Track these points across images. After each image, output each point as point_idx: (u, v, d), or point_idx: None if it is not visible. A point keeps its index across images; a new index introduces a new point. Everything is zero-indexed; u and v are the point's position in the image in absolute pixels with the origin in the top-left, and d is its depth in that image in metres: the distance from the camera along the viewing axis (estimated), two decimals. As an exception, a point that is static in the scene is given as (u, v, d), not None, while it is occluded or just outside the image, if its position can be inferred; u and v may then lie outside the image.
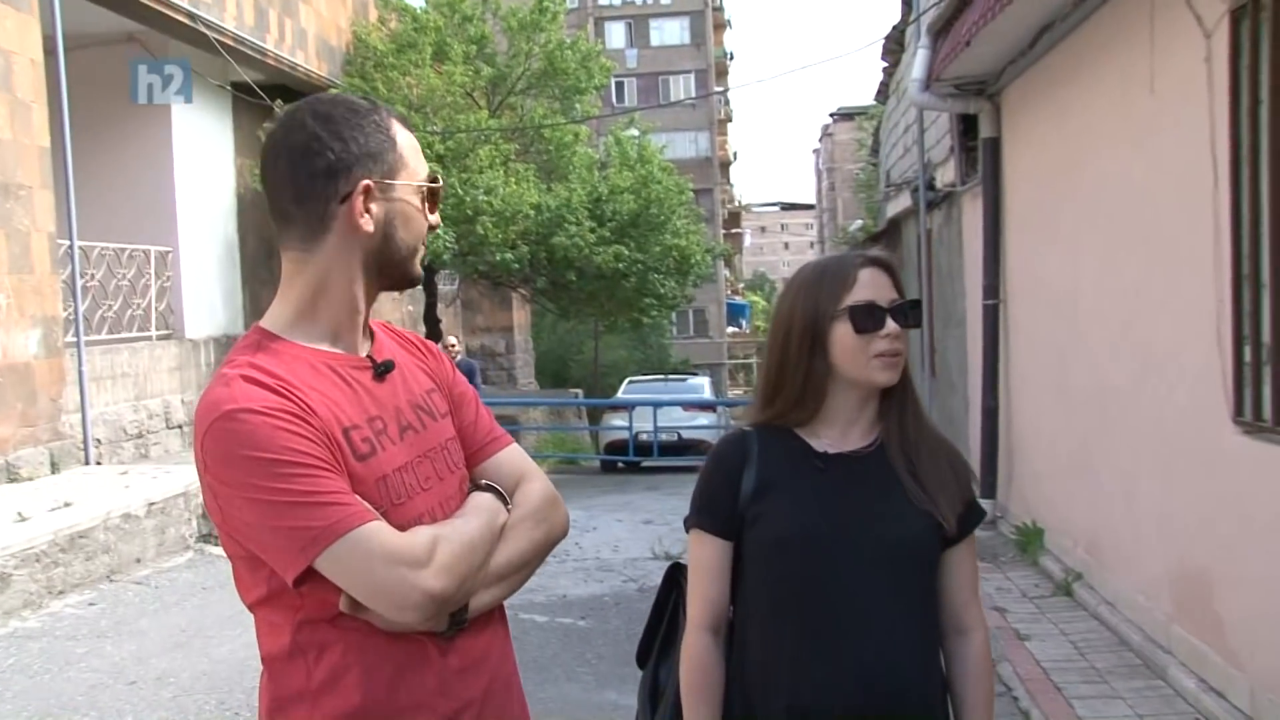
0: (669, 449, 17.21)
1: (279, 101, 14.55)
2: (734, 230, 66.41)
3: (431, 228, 1.90)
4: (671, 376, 25.20)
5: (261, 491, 1.65)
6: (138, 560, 8.49)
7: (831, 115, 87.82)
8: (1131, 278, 5.97)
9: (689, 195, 20.27)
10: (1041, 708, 5.10)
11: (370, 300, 1.86)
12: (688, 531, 2.21)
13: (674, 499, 12.45)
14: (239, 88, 14.28)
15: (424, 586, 1.67)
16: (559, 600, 7.91)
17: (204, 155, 14.17)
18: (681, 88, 56.16)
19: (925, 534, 2.08)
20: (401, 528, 1.73)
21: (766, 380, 2.20)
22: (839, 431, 2.14)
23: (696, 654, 2.13)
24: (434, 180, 1.88)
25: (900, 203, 15.49)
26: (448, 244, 15.13)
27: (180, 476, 9.60)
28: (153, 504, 8.72)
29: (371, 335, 1.91)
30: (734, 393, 45.07)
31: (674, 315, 35.46)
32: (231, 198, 14.90)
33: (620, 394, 21.13)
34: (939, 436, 2.19)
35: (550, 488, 1.97)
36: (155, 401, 12.54)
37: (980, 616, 2.19)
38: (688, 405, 18.94)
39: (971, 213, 10.33)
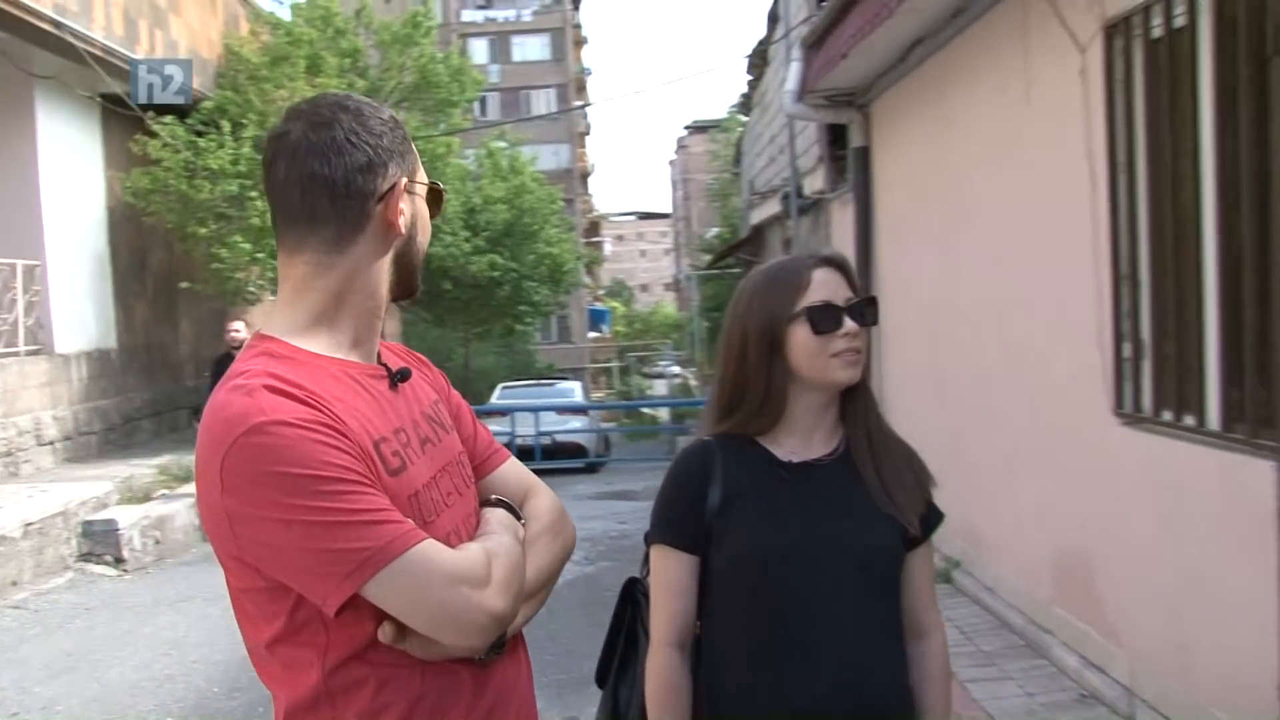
0: (547, 453, 17.12)
1: (151, 114, 14.03)
2: (594, 239, 66.56)
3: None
4: (543, 381, 25.10)
5: (298, 511, 1.45)
6: (14, 583, 8.01)
7: (686, 128, 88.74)
8: (1008, 279, 6.11)
9: (560, 205, 20.21)
10: (940, 691, 5.17)
11: (381, 312, 1.73)
12: (648, 546, 2.12)
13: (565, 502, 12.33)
14: (110, 99, 13.68)
15: (489, 607, 1.55)
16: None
17: (72, 168, 13.52)
18: (543, 102, 56.12)
19: (891, 539, 2.03)
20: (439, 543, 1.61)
21: (723, 390, 2.12)
22: (800, 439, 2.07)
23: (664, 671, 2.04)
24: (438, 190, 1.80)
25: (765, 210, 15.70)
26: (324, 255, 14.75)
27: (58, 495, 9.13)
28: (30, 524, 8.27)
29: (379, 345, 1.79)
30: (596, 395, 45.10)
31: (539, 321, 35.34)
32: (102, 210, 14.25)
33: (494, 399, 20.89)
34: (898, 439, 2.14)
35: (557, 500, 1.88)
36: (25, 418, 11.92)
37: (938, 619, 2.15)
38: (562, 410, 18.86)
39: (840, 218, 10.51)
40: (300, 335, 1.63)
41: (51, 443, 12.37)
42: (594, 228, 67.02)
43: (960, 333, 6.99)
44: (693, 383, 45.38)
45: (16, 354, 12.15)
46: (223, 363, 9.14)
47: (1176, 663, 4.42)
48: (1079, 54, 5.09)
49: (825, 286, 2.02)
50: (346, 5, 17.61)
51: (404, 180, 1.66)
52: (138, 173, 14.05)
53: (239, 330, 9.52)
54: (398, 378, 1.70)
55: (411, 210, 1.68)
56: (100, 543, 8.86)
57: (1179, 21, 4.37)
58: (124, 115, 13.99)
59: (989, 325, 6.37)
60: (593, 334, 58.93)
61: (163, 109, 14.48)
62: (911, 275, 8.16)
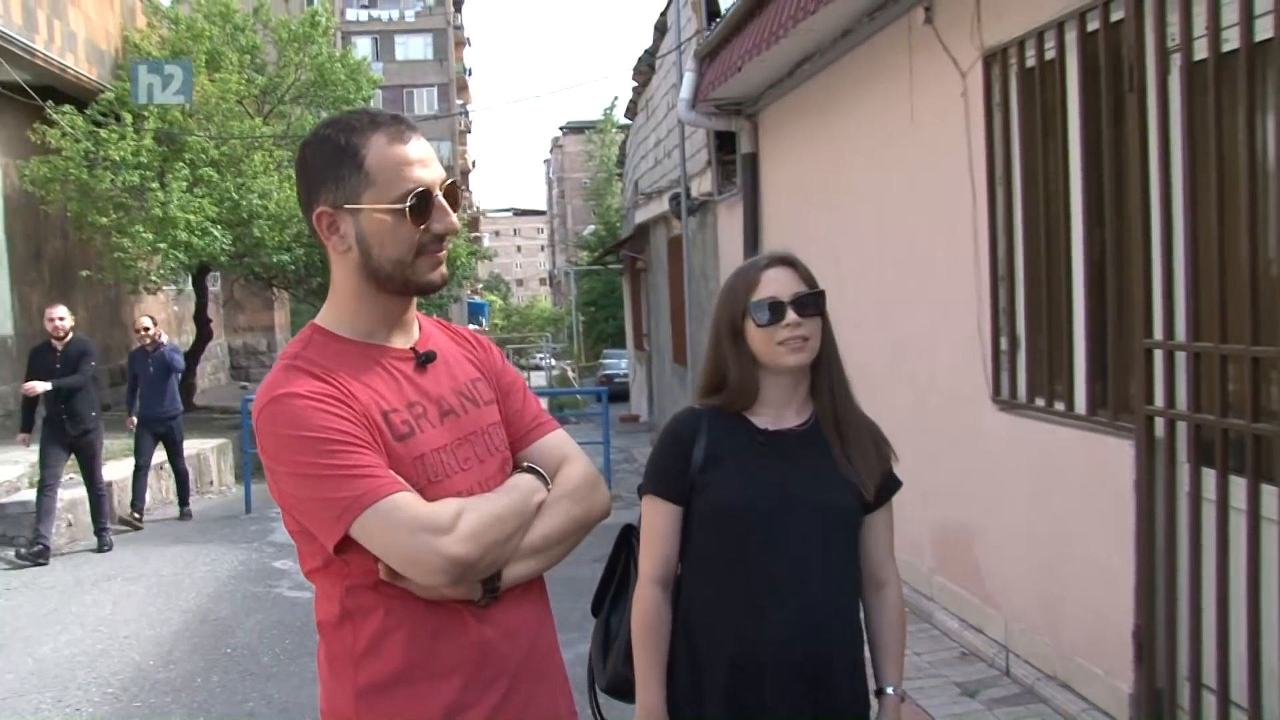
0: None
1: (50, 103, 13.63)
2: (474, 234, 66.05)
3: (441, 234, 1.80)
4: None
5: (304, 467, 1.70)
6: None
7: (561, 128, 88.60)
8: (891, 280, 6.46)
9: (463, 202, 20.18)
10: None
11: (395, 303, 1.86)
12: (640, 497, 2.33)
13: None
14: (7, 87, 13.25)
15: (446, 552, 1.69)
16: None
17: (-34, 154, 13.12)
18: (425, 100, 55.63)
19: (851, 502, 2.23)
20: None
21: (707, 374, 2.35)
22: (776, 411, 2.28)
23: (647, 605, 2.26)
24: (410, 197, 1.76)
25: (650, 210, 15.93)
26: (224, 246, 14.56)
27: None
28: (-56, 506, 8.08)
29: (420, 328, 1.93)
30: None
31: (430, 313, 35.00)
32: (-3, 198, 13.83)
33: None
34: (862, 415, 2.33)
35: (590, 470, 1.98)
36: (-76, 403, 11.56)
37: (894, 572, 2.35)
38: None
39: (728, 219, 10.82)
40: (334, 324, 1.86)
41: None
42: (474, 223, 66.46)
43: (844, 329, 7.31)
44: (571, 374, 45.48)
45: (-86, 340, 11.75)
46: (41, 352, 8.90)
47: (1046, 620, 4.81)
48: (960, 78, 5.45)
49: (774, 284, 2.24)
50: (244, 3, 17.29)
51: (323, 210, 1.78)
52: (36, 161, 13.63)
53: (63, 318, 8.95)
54: (423, 360, 1.87)
55: (356, 229, 1.78)
56: (13, 525, 8.68)
57: (1050, 54, 4.74)
58: (19, 103, 13.55)
59: (872, 323, 6.70)
60: (472, 326, 58.52)
61: (61, 98, 14.10)
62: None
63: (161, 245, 13.90)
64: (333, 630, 1.83)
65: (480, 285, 78.08)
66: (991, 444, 5.28)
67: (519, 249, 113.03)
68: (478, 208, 72.22)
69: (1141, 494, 4.06)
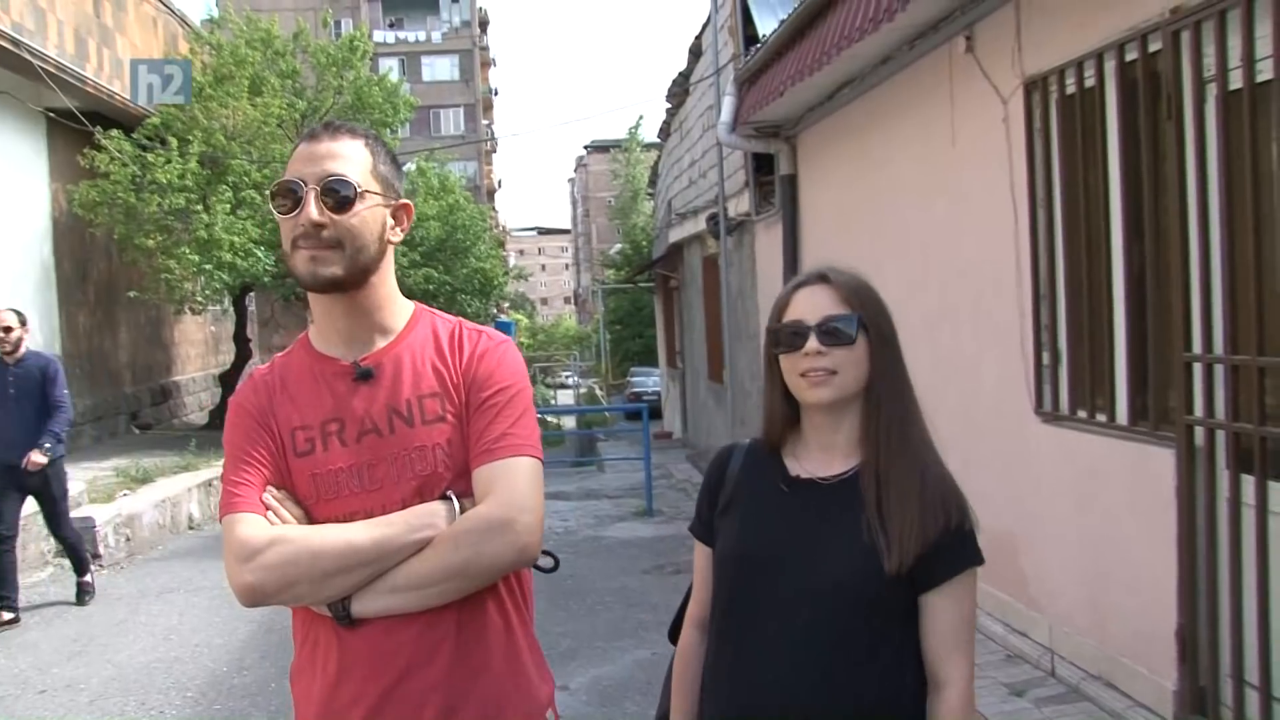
0: None
1: (98, 128, 14.07)
2: (500, 253, 66.62)
3: (308, 225, 1.83)
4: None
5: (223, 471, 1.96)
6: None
7: (586, 147, 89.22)
8: (935, 298, 6.72)
9: (490, 222, 20.57)
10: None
11: (332, 307, 1.93)
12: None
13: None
14: (58, 113, 13.71)
15: (239, 577, 1.80)
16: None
17: (18, 179, 13.49)
18: (451, 121, 56.27)
19: (862, 577, 1.84)
20: (332, 521, 1.87)
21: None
22: (819, 455, 1.97)
23: (682, 647, 2.13)
24: (275, 186, 1.88)
25: (684, 229, 16.23)
26: (266, 267, 14.95)
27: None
28: (15, 520, 8.41)
29: (402, 333, 1.97)
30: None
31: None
32: (47, 221, 14.23)
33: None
34: (921, 469, 1.92)
35: (495, 513, 1.82)
36: (-20, 422, 11.92)
37: (959, 672, 1.87)
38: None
39: (766, 239, 11.09)
40: (312, 334, 2.02)
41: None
42: (500, 242, 67.10)
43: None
44: (598, 392, 45.76)
45: (-30, 360, 12.13)
46: None
47: (1091, 622, 5.05)
48: (1002, 105, 5.72)
49: (803, 305, 1.94)
50: (283, 28, 17.76)
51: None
52: (86, 185, 14.07)
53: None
54: (360, 375, 1.92)
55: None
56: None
57: (1089, 82, 5.01)
58: (69, 129, 14.01)
59: (918, 340, 6.95)
60: (499, 343, 58.88)
61: (109, 124, 14.55)
62: (837, 292, 8.75)
63: (207, 266, 14.30)
64: (292, 620, 2.04)
65: (506, 304, 78.71)
66: (1036, 455, 5.53)
67: (543, 268, 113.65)
68: (503, 227, 72.74)
69: (1183, 500, 4.31)
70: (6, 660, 6.49)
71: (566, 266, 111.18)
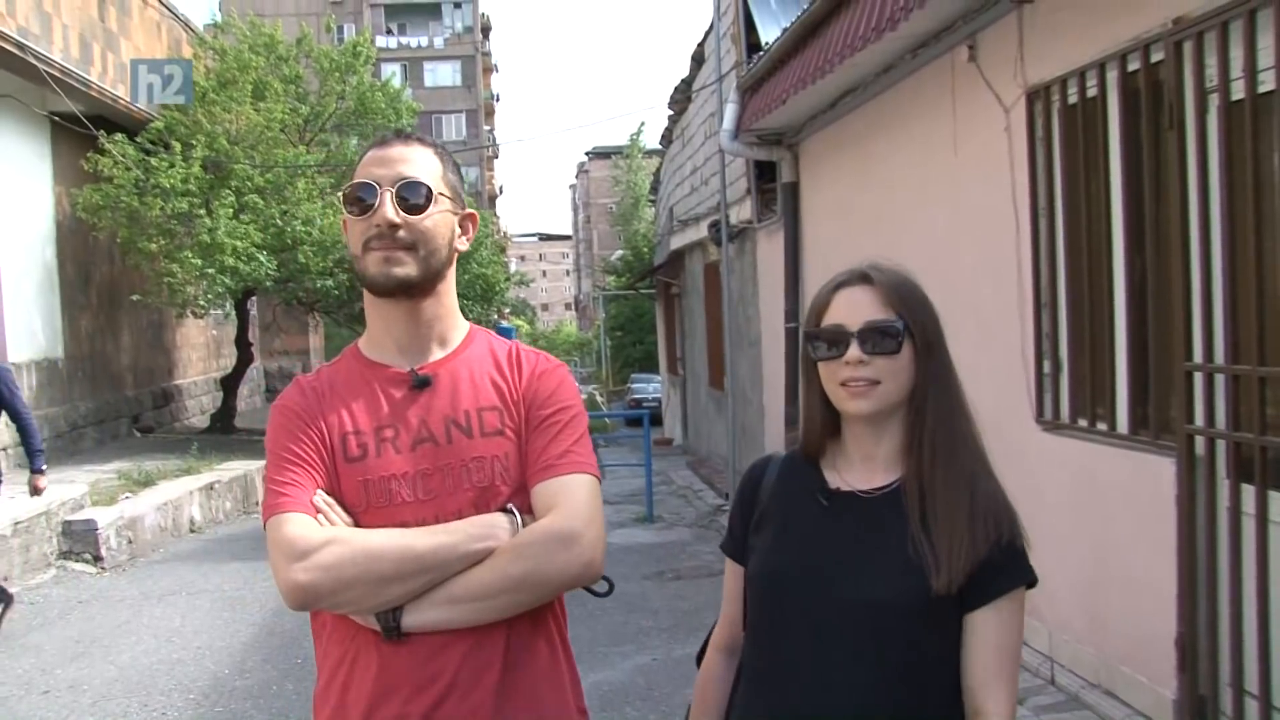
0: None
1: (102, 132, 14.10)
2: (502, 259, 66.74)
3: (383, 226, 1.82)
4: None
5: (266, 474, 1.90)
6: (5, 579, 8.14)
7: (588, 154, 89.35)
8: (936, 303, 6.71)
9: (491, 228, 20.61)
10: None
11: (392, 312, 1.89)
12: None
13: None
14: (63, 117, 13.75)
15: (291, 576, 1.72)
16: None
17: (22, 182, 13.53)
18: (453, 126, 56.38)
19: (905, 595, 1.73)
20: (383, 528, 1.80)
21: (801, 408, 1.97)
22: (860, 466, 1.85)
23: (706, 670, 2.01)
24: (350, 187, 1.87)
25: (686, 236, 16.26)
26: (269, 271, 14.98)
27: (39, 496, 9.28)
28: (18, 523, 8.41)
29: (458, 348, 1.94)
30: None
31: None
32: (50, 224, 14.27)
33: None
34: (971, 477, 1.81)
35: (561, 525, 1.79)
36: (-18, 424, 11.95)
37: (999, 703, 1.72)
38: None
39: (767, 246, 11.11)
40: (364, 343, 1.97)
41: (4, 448, 12.37)
42: (502, 248, 67.23)
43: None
44: (599, 399, 45.80)
45: (-28, 362, 12.17)
46: None
47: (1091, 631, 5.06)
48: (1004, 114, 5.74)
49: (844, 307, 1.81)
50: (287, 33, 17.81)
51: (347, 219, 1.90)
52: (89, 189, 14.10)
53: None
54: (418, 383, 1.89)
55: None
56: (80, 541, 9.03)
57: (1091, 92, 5.03)
58: (73, 132, 14.05)
59: (917, 345, 6.98)
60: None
61: (112, 128, 14.59)
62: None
63: (209, 270, 14.33)
64: (316, 639, 1.96)
65: (508, 310, 78.86)
66: (1036, 463, 5.54)
67: (544, 274, 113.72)
68: (504, 233, 72.85)
69: (1183, 509, 4.31)
70: (10, 661, 6.51)
71: (568, 273, 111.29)
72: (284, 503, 1.79)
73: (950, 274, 6.53)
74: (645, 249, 35.65)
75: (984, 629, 1.74)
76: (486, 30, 63.38)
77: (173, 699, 5.79)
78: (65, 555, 9.00)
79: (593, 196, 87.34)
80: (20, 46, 12.05)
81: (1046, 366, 5.47)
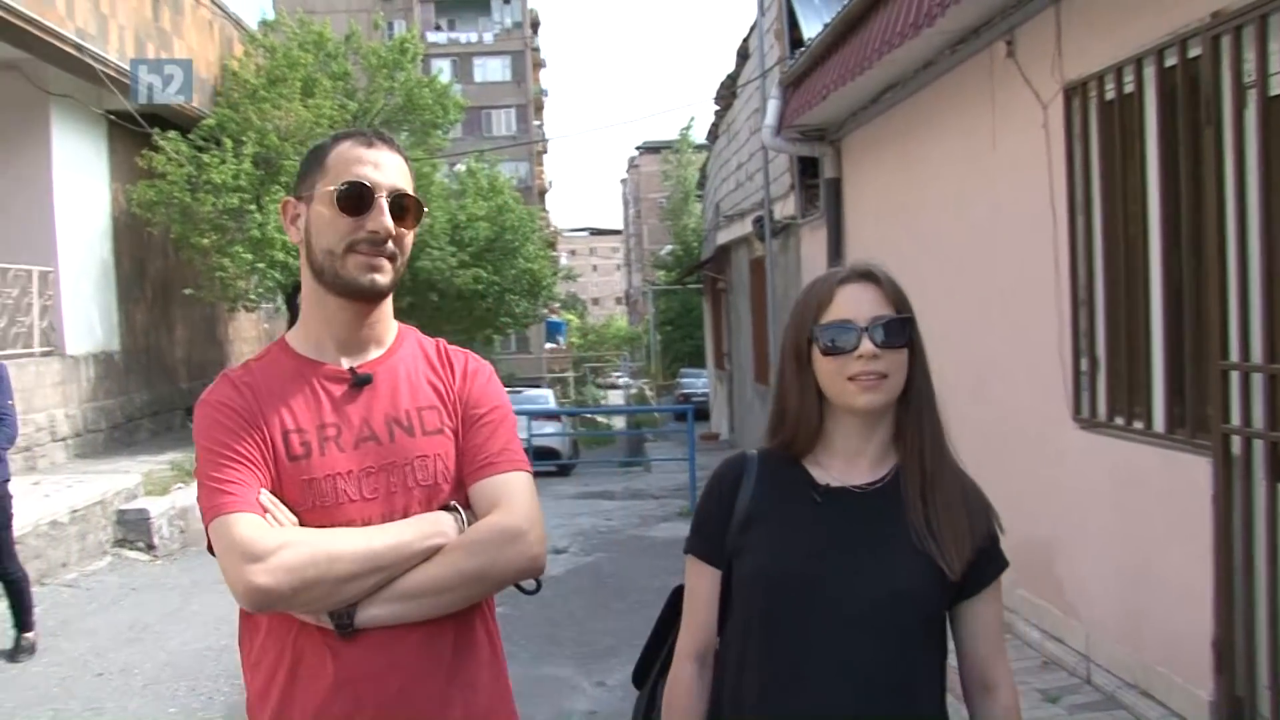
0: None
1: (156, 129, 14.34)
2: (550, 254, 66.94)
3: (375, 233, 1.82)
4: (515, 388, 25.58)
5: (198, 472, 1.82)
6: (64, 565, 8.42)
7: (638, 148, 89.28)
8: (973, 303, 6.70)
9: (539, 223, 20.76)
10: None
11: (341, 312, 1.88)
12: (686, 555, 2.01)
13: (542, 499, 12.78)
14: (118, 115, 14.01)
15: (251, 579, 1.68)
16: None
17: (81, 179, 13.80)
18: (503, 122, 56.65)
19: (921, 581, 1.80)
20: (327, 527, 1.78)
21: (773, 405, 1.97)
22: (845, 462, 1.89)
23: (679, 682, 1.95)
24: (343, 184, 1.82)
25: (731, 231, 16.26)
26: (318, 267, 15.13)
27: (95, 485, 9.53)
28: (75, 511, 8.65)
29: (392, 347, 1.94)
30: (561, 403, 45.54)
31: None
32: (107, 220, 14.55)
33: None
34: (959, 473, 1.91)
35: (508, 523, 1.83)
36: (41, 415, 12.19)
37: (1007, 673, 1.91)
38: (536, 415, 19.29)
39: (810, 242, 11.10)
40: (294, 338, 1.94)
41: (64, 439, 12.65)
42: (552, 243, 67.49)
43: (929, 351, 7.55)
44: (649, 393, 45.88)
45: (32, 355, 12.44)
46: None
47: (1127, 630, 5.03)
48: (1041, 110, 5.70)
49: (851, 303, 1.84)
50: (335, 30, 18.01)
51: (290, 199, 1.91)
52: (144, 185, 14.36)
53: None
54: (357, 381, 1.88)
55: (306, 219, 1.88)
56: (133, 530, 9.26)
57: (1129, 88, 4.99)
58: (128, 130, 14.31)
59: (956, 345, 6.94)
60: (549, 345, 59.31)
61: (166, 125, 14.84)
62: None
63: (259, 265, 14.54)
64: (239, 639, 1.94)
65: (557, 304, 79.22)
66: (1073, 462, 5.50)
67: (595, 268, 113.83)
68: (554, 228, 73.14)
69: (1219, 509, 4.28)
70: (68, 644, 6.74)
71: (618, 267, 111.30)
72: (230, 502, 1.74)
73: (989, 271, 6.51)
74: (694, 244, 35.62)
75: (985, 611, 1.88)
76: (535, 25, 63.57)
77: (219, 684, 5.92)
78: (120, 543, 9.23)
79: (643, 191, 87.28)
80: (78, 48, 12.30)
81: (1084, 364, 5.43)
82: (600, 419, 35.68)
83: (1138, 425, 4.98)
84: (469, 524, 1.83)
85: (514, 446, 1.93)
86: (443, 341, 2.04)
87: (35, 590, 7.77)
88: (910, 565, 1.79)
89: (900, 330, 1.83)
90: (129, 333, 14.89)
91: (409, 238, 1.90)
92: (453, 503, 1.85)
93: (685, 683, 1.93)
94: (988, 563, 1.86)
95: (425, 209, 1.95)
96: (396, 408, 1.88)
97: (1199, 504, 4.39)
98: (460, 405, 1.93)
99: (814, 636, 1.79)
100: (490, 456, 1.89)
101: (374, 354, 1.92)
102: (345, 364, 1.89)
